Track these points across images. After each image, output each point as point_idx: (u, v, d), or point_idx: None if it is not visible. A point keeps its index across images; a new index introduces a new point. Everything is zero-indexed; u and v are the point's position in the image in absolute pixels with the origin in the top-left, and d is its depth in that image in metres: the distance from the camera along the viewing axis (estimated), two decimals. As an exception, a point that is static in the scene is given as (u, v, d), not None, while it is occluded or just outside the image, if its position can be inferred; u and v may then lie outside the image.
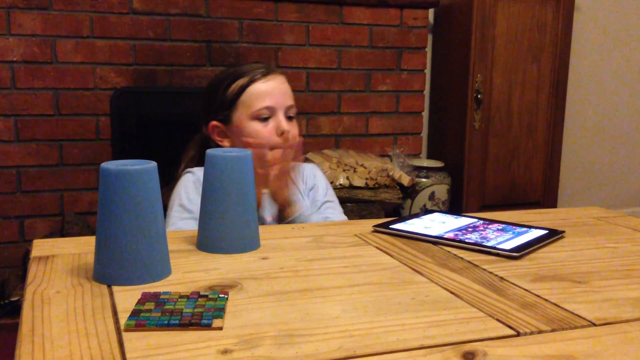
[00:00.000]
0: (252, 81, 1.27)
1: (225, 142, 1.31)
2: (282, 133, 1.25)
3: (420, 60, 2.79)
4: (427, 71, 2.95)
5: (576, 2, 2.96)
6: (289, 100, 1.29)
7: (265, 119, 1.26)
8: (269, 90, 1.26)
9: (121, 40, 2.34)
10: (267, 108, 1.25)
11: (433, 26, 2.99)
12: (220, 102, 1.28)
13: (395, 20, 2.71)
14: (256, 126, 1.26)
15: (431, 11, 2.92)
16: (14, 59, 2.23)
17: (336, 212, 1.34)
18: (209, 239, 0.86)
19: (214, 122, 1.30)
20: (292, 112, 1.29)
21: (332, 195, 1.38)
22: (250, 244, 0.87)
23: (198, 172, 1.29)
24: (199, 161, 1.36)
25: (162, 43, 2.40)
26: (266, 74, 1.28)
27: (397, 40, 2.73)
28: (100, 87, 2.34)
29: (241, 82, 1.27)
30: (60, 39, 2.27)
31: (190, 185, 1.26)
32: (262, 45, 2.53)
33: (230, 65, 1.38)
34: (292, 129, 1.28)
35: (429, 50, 2.92)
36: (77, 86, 2.32)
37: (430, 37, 2.96)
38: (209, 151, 0.87)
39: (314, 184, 1.35)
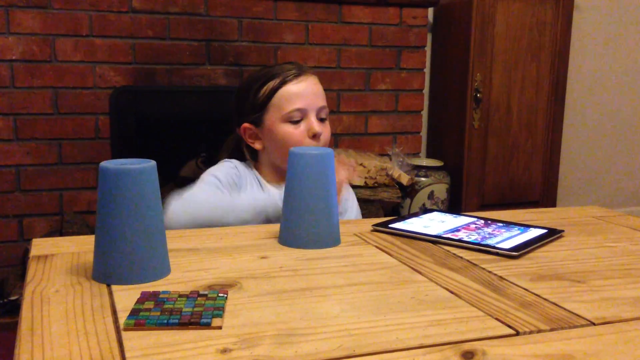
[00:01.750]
0: (283, 83, 1.25)
1: (257, 144, 1.30)
2: (313, 135, 1.24)
3: (420, 59, 2.79)
4: (427, 70, 2.95)
5: (576, 1, 2.96)
6: (321, 102, 1.27)
7: (296, 122, 1.24)
8: (301, 92, 1.24)
9: (120, 39, 2.34)
10: (299, 110, 1.24)
11: (432, 25, 2.99)
12: (251, 105, 1.27)
13: (394, 19, 2.71)
14: (288, 128, 1.24)
15: (431, 10, 2.92)
16: (13, 58, 2.23)
17: (354, 214, 1.34)
18: (293, 234, 0.89)
19: (246, 125, 1.29)
20: (324, 114, 1.27)
21: (355, 205, 1.38)
22: (332, 240, 0.90)
23: (237, 163, 1.31)
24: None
25: (161, 42, 2.39)
26: (298, 75, 1.26)
27: (396, 39, 2.73)
28: (99, 86, 2.34)
29: (272, 84, 1.25)
30: (60, 37, 2.27)
31: (230, 168, 1.28)
32: (262, 44, 2.53)
33: (263, 67, 1.37)
34: (324, 131, 1.26)
35: (428, 49, 2.92)
36: (77, 85, 2.31)
37: (429, 36, 2.96)
38: (292, 149, 0.90)
39: (345, 209, 1.33)
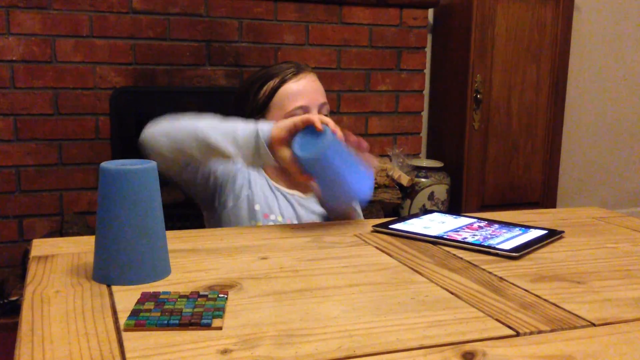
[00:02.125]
0: (283, 82, 1.24)
1: None
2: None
3: (420, 60, 2.79)
4: (427, 71, 2.95)
5: (576, 2, 2.96)
6: (322, 98, 1.26)
7: None
8: (301, 90, 1.24)
9: (121, 39, 2.34)
10: (301, 108, 1.23)
11: (433, 26, 2.99)
12: (252, 106, 1.26)
13: (394, 20, 2.71)
14: None
15: (431, 11, 2.92)
16: (14, 59, 2.23)
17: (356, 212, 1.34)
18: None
19: None
20: (325, 110, 1.27)
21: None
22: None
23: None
24: None
25: (161, 43, 2.39)
26: (296, 73, 1.26)
27: (396, 40, 2.73)
28: (99, 86, 2.34)
29: (272, 83, 1.25)
30: (60, 38, 2.27)
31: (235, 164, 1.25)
32: (262, 45, 2.53)
33: (261, 68, 1.36)
34: None
35: (428, 50, 2.92)
36: (77, 86, 2.31)
37: (429, 37, 2.96)
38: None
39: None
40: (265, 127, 1.03)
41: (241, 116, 1.29)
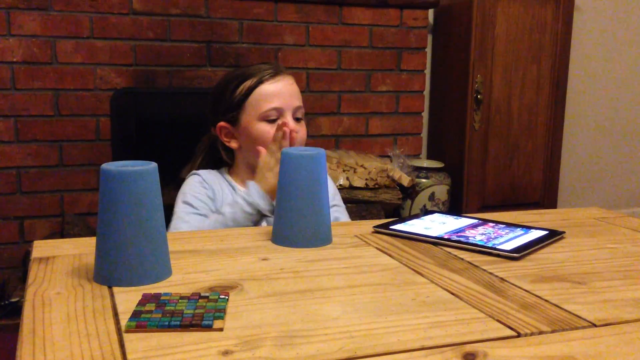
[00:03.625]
0: (260, 82, 1.26)
1: (233, 143, 1.31)
2: (287, 133, 1.24)
3: (420, 61, 2.79)
4: (427, 71, 2.94)
5: (576, 2, 2.96)
6: (297, 102, 1.28)
7: (273, 121, 1.25)
8: (277, 92, 1.25)
9: (121, 40, 2.34)
10: (275, 109, 1.25)
11: (433, 26, 2.99)
12: (228, 103, 1.28)
13: (395, 20, 2.71)
14: (264, 127, 1.25)
15: (431, 11, 2.92)
16: (14, 60, 2.23)
17: (344, 215, 1.34)
18: (285, 234, 0.91)
19: (222, 123, 1.30)
20: (300, 114, 1.28)
21: (339, 200, 1.38)
22: (323, 239, 0.92)
23: (204, 174, 1.31)
24: (207, 163, 1.37)
25: (162, 44, 2.39)
26: (274, 74, 1.27)
27: (397, 41, 2.73)
28: (100, 87, 2.34)
29: (249, 83, 1.26)
30: (60, 39, 2.27)
31: (196, 184, 1.28)
32: (262, 45, 2.53)
33: (238, 66, 1.38)
34: (300, 130, 1.27)
35: (428, 50, 2.92)
36: (77, 87, 2.31)
37: (430, 38, 2.96)
38: (285, 150, 0.92)
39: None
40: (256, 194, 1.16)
41: (215, 114, 1.31)
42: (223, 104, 1.29)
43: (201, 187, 1.28)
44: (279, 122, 1.25)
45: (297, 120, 1.28)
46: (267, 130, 1.25)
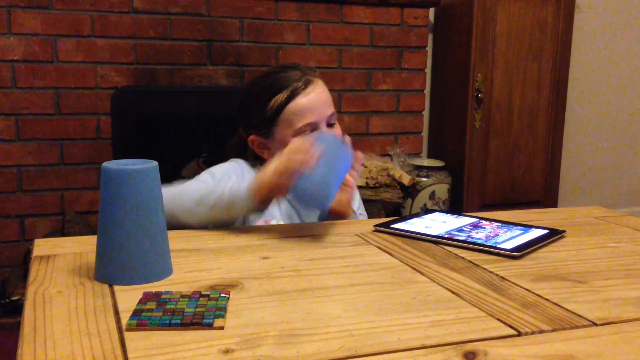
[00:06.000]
0: (292, 97, 1.21)
1: (266, 154, 1.26)
2: None
3: (421, 60, 2.79)
4: (428, 70, 2.94)
5: (577, 1, 2.96)
6: (329, 109, 1.24)
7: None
8: (311, 106, 1.21)
9: (122, 39, 2.34)
10: (309, 124, 1.21)
11: (434, 25, 2.99)
12: (259, 118, 1.24)
13: (395, 19, 2.71)
14: None
15: (432, 10, 2.92)
16: (15, 58, 2.23)
17: None
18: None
19: (254, 137, 1.26)
20: (333, 119, 1.25)
21: (363, 209, 1.36)
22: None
23: (242, 163, 1.28)
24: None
25: (162, 42, 2.39)
26: (306, 86, 1.22)
27: (397, 40, 2.73)
28: (100, 86, 2.34)
29: (280, 97, 1.21)
30: (61, 38, 2.27)
31: (230, 166, 1.26)
32: (263, 44, 2.53)
33: (267, 74, 1.30)
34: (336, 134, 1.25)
35: (429, 49, 2.92)
36: (78, 85, 2.31)
37: (430, 36, 2.96)
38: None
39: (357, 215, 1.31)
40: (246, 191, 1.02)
41: (247, 127, 1.27)
42: (254, 118, 1.25)
43: (234, 170, 1.24)
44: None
45: (330, 126, 1.25)
46: None
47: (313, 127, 1.22)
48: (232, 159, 1.30)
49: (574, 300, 0.70)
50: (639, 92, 3.42)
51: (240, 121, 1.31)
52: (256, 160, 1.31)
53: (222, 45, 2.47)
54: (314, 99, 1.22)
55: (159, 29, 2.38)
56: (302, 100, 1.21)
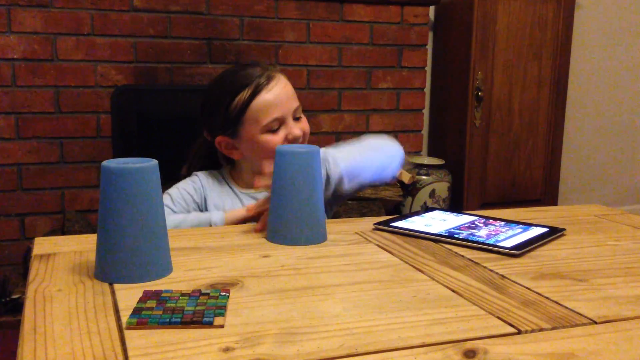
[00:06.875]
0: (255, 94, 1.20)
1: (235, 154, 1.26)
2: (294, 139, 1.21)
3: (421, 58, 2.79)
4: (428, 69, 2.94)
5: (577, -1, 2.96)
6: (295, 102, 1.24)
7: (275, 129, 1.22)
8: (275, 101, 1.20)
9: (122, 37, 2.34)
10: (276, 119, 1.20)
11: (434, 23, 2.99)
12: (224, 119, 1.22)
13: (396, 17, 2.71)
14: (267, 138, 1.21)
15: (432, 8, 2.92)
16: (15, 57, 2.23)
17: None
18: (280, 231, 0.91)
19: (221, 138, 1.25)
20: (298, 113, 1.25)
21: (338, 150, 1.29)
22: (318, 237, 0.92)
23: (203, 177, 1.27)
24: (203, 165, 1.34)
25: (162, 40, 2.39)
26: (268, 81, 1.21)
27: (397, 38, 2.73)
28: (100, 84, 2.34)
29: (244, 95, 1.20)
30: (61, 36, 2.27)
31: (189, 184, 1.26)
32: (263, 42, 2.53)
33: (227, 73, 1.29)
34: (303, 128, 1.24)
35: (429, 47, 2.92)
36: (78, 84, 2.31)
37: (430, 35, 2.95)
38: (279, 147, 0.92)
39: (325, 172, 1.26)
40: (218, 220, 1.13)
41: (212, 130, 1.26)
42: (219, 118, 1.23)
43: (192, 188, 1.25)
44: (282, 133, 1.21)
45: (297, 119, 1.24)
46: (271, 139, 1.20)
47: (280, 122, 1.21)
48: (193, 174, 1.29)
49: (574, 298, 0.70)
50: (639, 90, 3.42)
51: (204, 124, 1.28)
52: (225, 168, 1.31)
53: (222, 44, 2.47)
54: (279, 93, 1.21)
55: (159, 27, 2.38)
56: (267, 96, 1.20)
